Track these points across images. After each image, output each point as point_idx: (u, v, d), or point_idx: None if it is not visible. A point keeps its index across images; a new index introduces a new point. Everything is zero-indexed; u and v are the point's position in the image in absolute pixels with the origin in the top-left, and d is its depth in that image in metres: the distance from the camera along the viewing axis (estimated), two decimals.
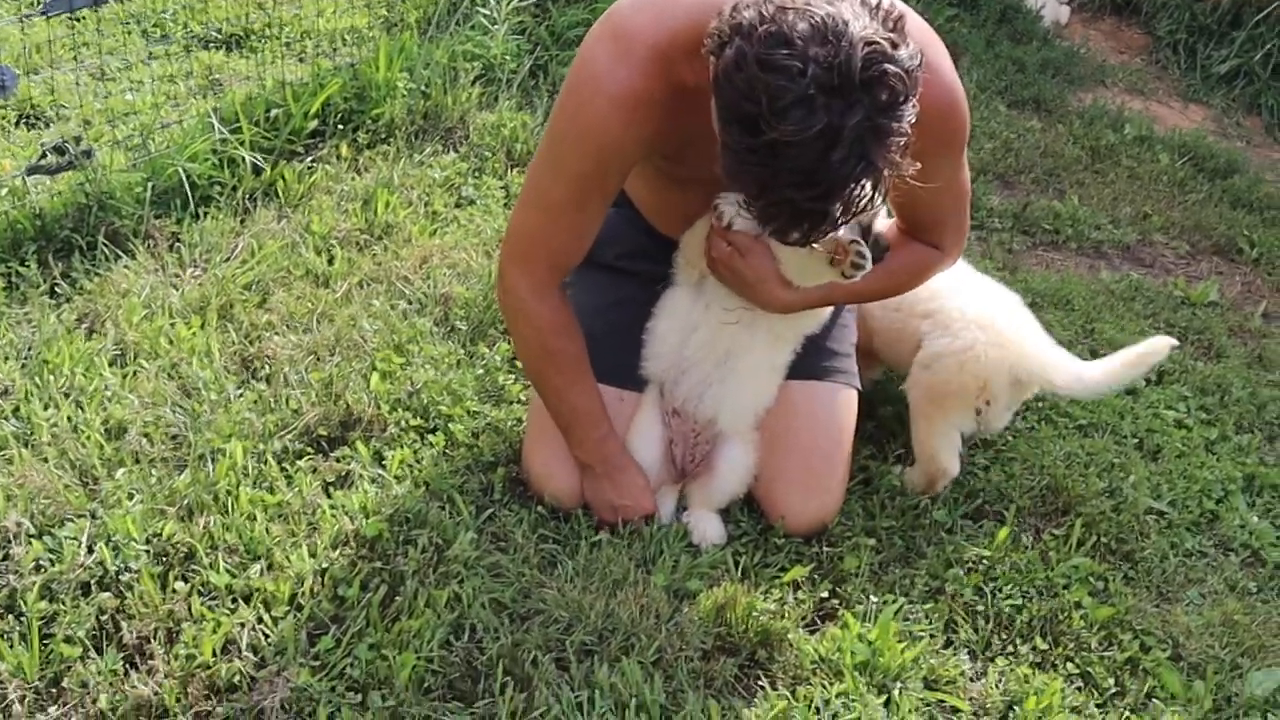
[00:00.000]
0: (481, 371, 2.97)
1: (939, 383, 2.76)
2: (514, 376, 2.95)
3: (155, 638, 2.17)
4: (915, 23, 2.10)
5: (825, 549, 2.64)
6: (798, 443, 2.64)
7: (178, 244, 3.27)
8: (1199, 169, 5.12)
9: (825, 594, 2.52)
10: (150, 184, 3.28)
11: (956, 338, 2.75)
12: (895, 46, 1.85)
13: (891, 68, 1.83)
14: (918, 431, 2.84)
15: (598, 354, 2.58)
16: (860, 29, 1.83)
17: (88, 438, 2.57)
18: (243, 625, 2.20)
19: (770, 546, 2.63)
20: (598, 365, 2.58)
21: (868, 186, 1.91)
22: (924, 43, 2.04)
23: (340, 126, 3.84)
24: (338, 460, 2.63)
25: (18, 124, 3.86)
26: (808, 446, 2.64)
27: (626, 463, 2.59)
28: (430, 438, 2.72)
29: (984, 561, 2.67)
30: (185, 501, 2.43)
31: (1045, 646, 2.48)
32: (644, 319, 2.62)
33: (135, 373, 2.79)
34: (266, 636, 2.20)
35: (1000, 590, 2.59)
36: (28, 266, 3.07)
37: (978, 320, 2.77)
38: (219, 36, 4.55)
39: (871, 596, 2.50)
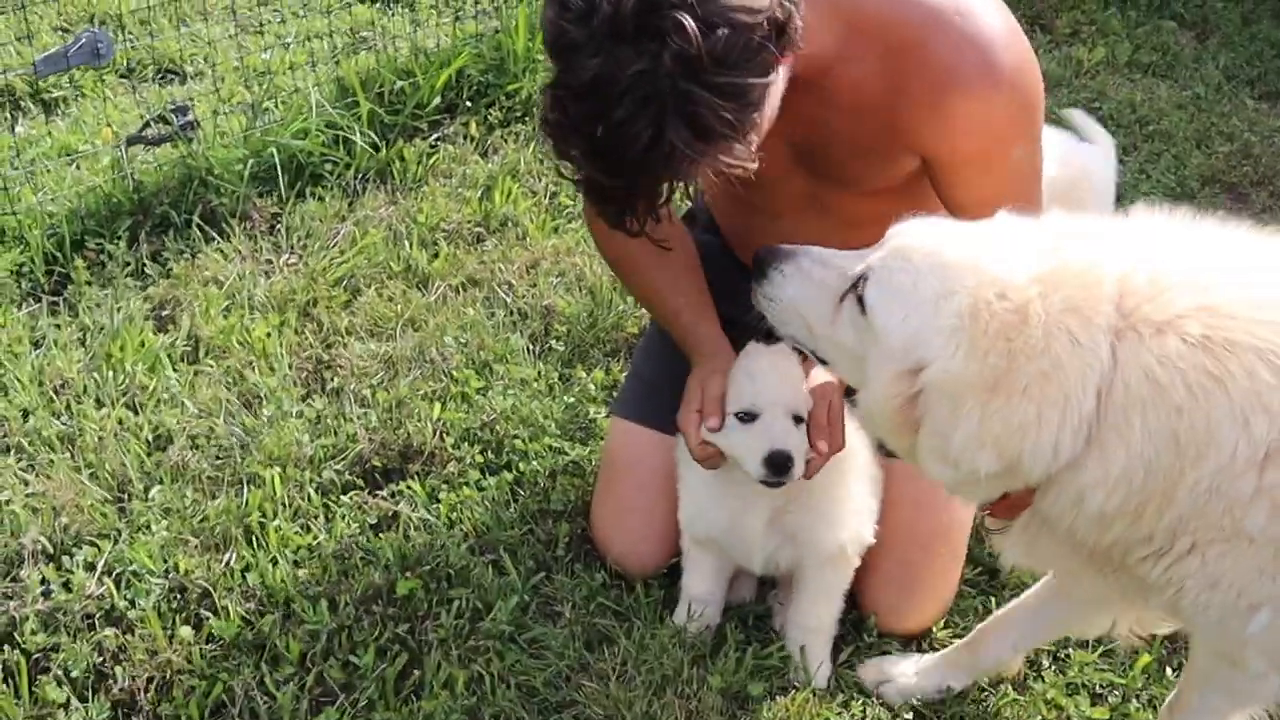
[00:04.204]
0: (573, 400, 2.69)
1: None
2: (606, 409, 2.67)
3: (146, 691, 2.01)
4: None
5: (929, 649, 2.27)
6: (893, 531, 2.24)
7: (277, 226, 3.10)
8: None
9: (909, 715, 2.16)
10: (253, 161, 3.12)
11: None
12: None
13: (682, 16, 1.45)
14: None
15: (651, 398, 2.33)
16: None
17: (132, 446, 2.43)
18: (244, 686, 2.02)
19: (863, 643, 2.28)
20: (649, 410, 2.33)
21: (672, 164, 1.56)
22: None
23: (471, 102, 3.59)
24: (387, 497, 2.42)
25: (158, 78, 3.77)
26: (905, 536, 2.24)
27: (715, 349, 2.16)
28: (494, 478, 2.47)
29: (1115, 691, 2.25)
30: (214, 530, 2.26)
31: None
32: None
33: (197, 374, 2.63)
34: (267, 700, 2.01)
35: None
36: (117, 244, 2.95)
37: None
38: None
39: None
